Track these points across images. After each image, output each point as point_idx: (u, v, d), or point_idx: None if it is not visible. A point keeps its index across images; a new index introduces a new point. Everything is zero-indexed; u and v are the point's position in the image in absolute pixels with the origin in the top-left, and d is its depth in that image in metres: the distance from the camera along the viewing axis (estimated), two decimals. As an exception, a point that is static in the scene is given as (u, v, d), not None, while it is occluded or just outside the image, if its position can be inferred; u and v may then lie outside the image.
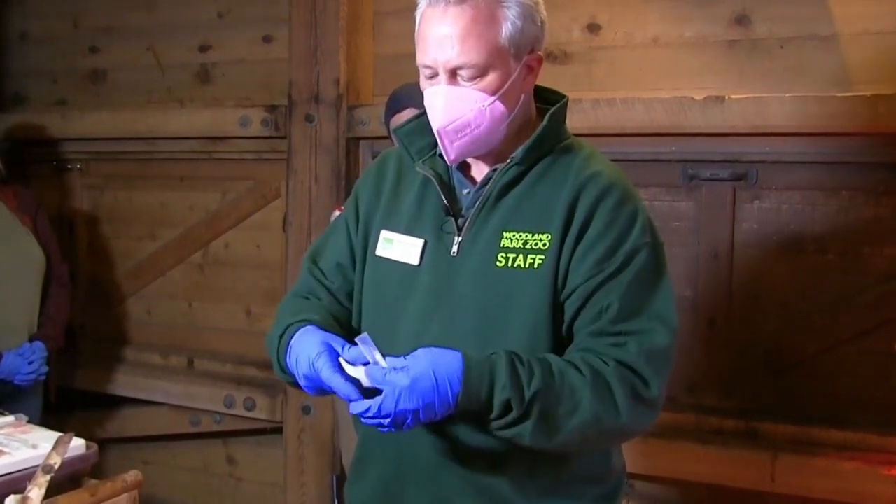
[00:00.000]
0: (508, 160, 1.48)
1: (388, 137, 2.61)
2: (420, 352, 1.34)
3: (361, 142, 3.09)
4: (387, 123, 2.59)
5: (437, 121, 1.44)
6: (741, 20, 2.58)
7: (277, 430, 3.28)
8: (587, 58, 2.77)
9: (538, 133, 1.48)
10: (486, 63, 1.40)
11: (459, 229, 1.48)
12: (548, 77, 2.84)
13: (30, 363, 2.87)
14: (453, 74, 1.42)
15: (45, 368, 2.93)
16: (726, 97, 2.48)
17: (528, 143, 1.47)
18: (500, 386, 1.33)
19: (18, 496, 1.58)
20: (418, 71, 1.48)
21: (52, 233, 3.18)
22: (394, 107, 2.56)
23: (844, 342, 2.52)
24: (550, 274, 1.42)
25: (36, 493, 1.61)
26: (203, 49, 3.47)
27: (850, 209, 2.51)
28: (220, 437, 3.54)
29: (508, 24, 1.41)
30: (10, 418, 2.10)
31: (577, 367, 1.38)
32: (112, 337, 3.71)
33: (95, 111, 3.58)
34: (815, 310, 2.55)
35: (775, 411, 2.60)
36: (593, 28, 2.76)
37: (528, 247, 1.43)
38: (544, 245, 1.43)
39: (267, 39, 3.34)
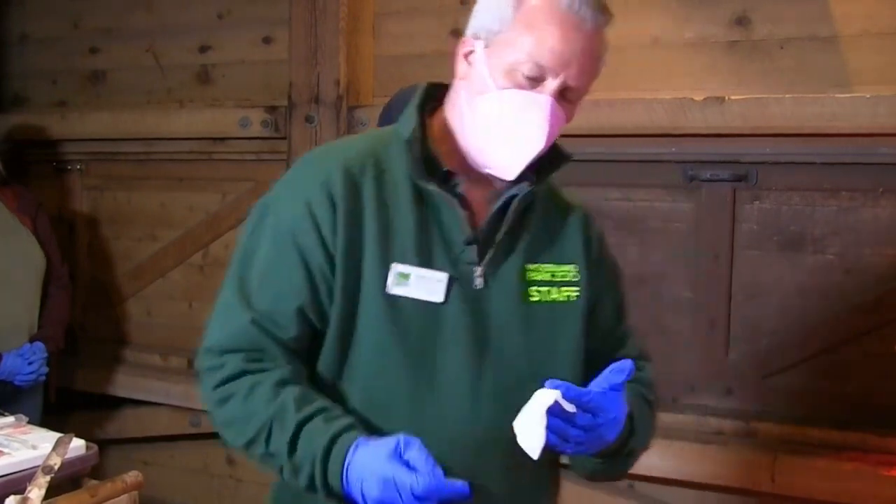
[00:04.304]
0: (526, 183, 1.38)
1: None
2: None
3: (361, 142, 3.08)
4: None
5: (538, 142, 1.30)
6: (741, 21, 2.58)
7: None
8: (587, 58, 2.77)
9: (559, 153, 1.41)
10: (586, 92, 1.35)
11: (479, 259, 1.35)
12: (548, 78, 2.84)
13: (30, 364, 2.87)
14: (560, 92, 1.30)
15: (45, 369, 2.93)
16: (726, 98, 2.48)
17: (548, 162, 1.39)
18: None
19: (18, 497, 1.58)
20: (511, 68, 1.29)
21: (52, 233, 3.18)
22: (390, 117, 2.54)
23: (844, 343, 2.51)
24: (585, 305, 1.42)
25: (36, 493, 1.61)
26: (203, 50, 3.47)
27: (849, 210, 2.51)
28: (220, 437, 3.54)
29: (603, 59, 1.36)
30: (10, 419, 2.11)
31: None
32: (112, 338, 3.71)
33: (95, 112, 3.58)
34: (815, 310, 2.55)
35: (775, 412, 2.60)
36: (593, 29, 2.76)
37: (556, 278, 1.40)
38: (574, 276, 1.42)
39: (267, 40, 3.34)
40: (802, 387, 2.57)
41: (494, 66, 1.29)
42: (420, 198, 1.34)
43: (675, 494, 2.70)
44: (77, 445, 1.89)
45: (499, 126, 1.30)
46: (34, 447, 1.89)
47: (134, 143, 3.52)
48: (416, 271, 1.32)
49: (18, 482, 1.72)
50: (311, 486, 1.24)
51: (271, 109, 3.19)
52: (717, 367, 2.66)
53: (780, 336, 2.59)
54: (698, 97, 2.51)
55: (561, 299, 1.40)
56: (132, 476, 1.78)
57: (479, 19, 1.33)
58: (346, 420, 1.24)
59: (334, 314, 1.31)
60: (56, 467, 1.70)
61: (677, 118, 2.54)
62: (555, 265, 1.41)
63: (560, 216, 1.46)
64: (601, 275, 1.47)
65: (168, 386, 3.45)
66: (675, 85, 2.63)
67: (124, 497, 1.76)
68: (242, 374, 1.29)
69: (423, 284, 1.31)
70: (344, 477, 1.20)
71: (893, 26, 2.41)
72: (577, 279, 1.41)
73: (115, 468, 2.10)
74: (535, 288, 1.38)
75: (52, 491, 1.64)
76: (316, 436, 1.22)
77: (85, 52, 3.72)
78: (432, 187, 1.33)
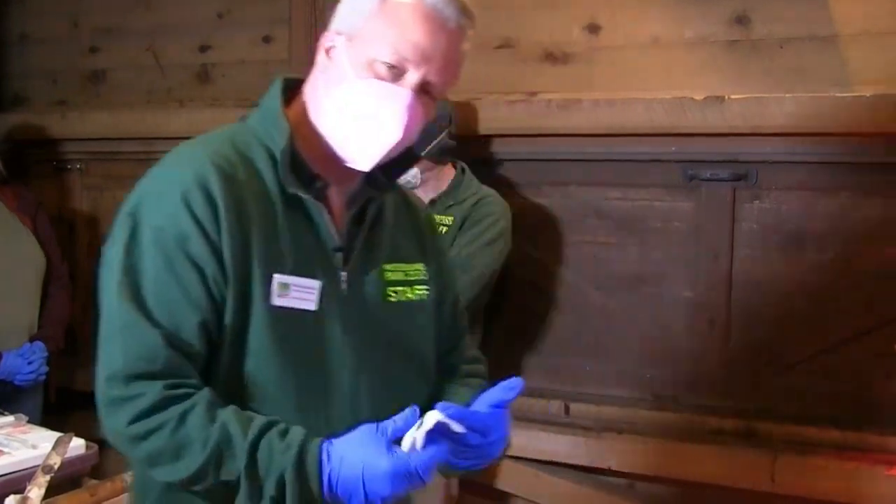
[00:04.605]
0: (381, 182, 1.41)
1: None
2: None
3: (361, 142, 3.08)
4: None
5: (394, 132, 1.29)
6: (741, 20, 2.58)
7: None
8: (587, 58, 2.77)
9: (409, 153, 1.42)
10: (445, 91, 1.36)
11: (344, 263, 1.36)
12: (548, 78, 2.86)
13: (30, 363, 2.87)
14: (421, 86, 1.30)
15: (45, 369, 2.93)
16: (726, 97, 2.48)
17: (402, 162, 1.41)
18: None
19: (18, 496, 1.59)
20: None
21: (52, 233, 3.18)
22: None
23: (844, 342, 2.51)
24: (434, 303, 1.48)
25: (36, 493, 1.61)
26: (203, 49, 3.47)
27: (849, 209, 2.51)
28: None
29: (463, 61, 1.37)
30: (10, 418, 2.11)
31: None
32: (112, 337, 3.70)
33: (95, 111, 3.58)
34: (815, 310, 2.54)
35: (775, 411, 2.60)
36: (593, 28, 2.76)
37: (410, 277, 1.44)
38: (423, 275, 1.46)
39: (267, 40, 3.34)
40: (802, 386, 2.57)
41: (355, 59, 1.29)
42: (289, 203, 1.32)
43: (675, 494, 2.70)
44: (77, 445, 1.90)
45: (357, 115, 1.29)
46: (34, 446, 1.89)
47: (134, 142, 3.52)
48: (294, 280, 1.29)
49: (18, 481, 1.72)
50: (280, 495, 1.19)
51: (271, 109, 3.18)
52: (716, 366, 2.66)
53: (780, 335, 2.59)
54: (698, 96, 2.51)
55: (414, 298, 1.43)
56: (132, 476, 1.78)
57: (343, 15, 1.34)
58: (299, 429, 1.22)
59: (228, 324, 1.25)
60: (56, 467, 1.70)
61: (677, 117, 2.53)
62: (406, 264, 1.44)
63: (408, 215, 1.50)
64: (443, 272, 1.53)
65: (168, 385, 3.44)
66: (674, 84, 2.62)
67: (124, 497, 1.76)
68: (166, 403, 1.19)
69: (301, 294, 1.30)
70: (326, 484, 1.18)
71: (893, 26, 2.41)
72: (426, 277, 1.46)
73: (115, 468, 2.10)
74: (392, 288, 1.40)
75: (51, 490, 1.65)
76: (276, 453, 1.19)
77: (85, 51, 3.71)
78: (303, 194, 1.32)
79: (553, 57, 2.81)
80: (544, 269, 2.86)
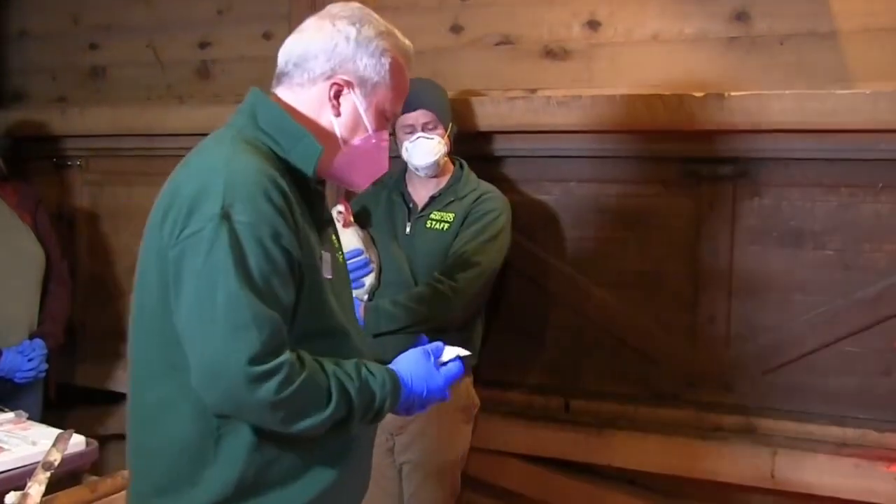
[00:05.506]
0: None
1: (391, 134, 2.58)
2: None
3: (361, 138, 3.08)
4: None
5: (386, 167, 1.68)
6: (741, 16, 2.58)
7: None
8: (587, 54, 2.77)
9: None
10: None
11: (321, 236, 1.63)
12: (548, 74, 2.86)
13: (30, 360, 2.87)
14: None
15: (44, 366, 2.93)
16: (726, 94, 2.48)
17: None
18: None
19: (18, 493, 1.59)
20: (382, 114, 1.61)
21: (52, 229, 3.18)
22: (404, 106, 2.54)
23: (844, 339, 2.52)
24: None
25: (36, 489, 1.61)
26: (203, 46, 3.47)
27: (849, 206, 2.51)
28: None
29: None
30: (10, 415, 2.11)
31: None
32: (112, 333, 3.70)
33: (95, 108, 3.58)
34: (815, 306, 2.55)
35: (775, 408, 2.60)
36: (593, 24, 2.76)
37: (337, 244, 1.72)
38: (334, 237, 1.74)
39: (267, 36, 3.33)
40: (802, 382, 2.58)
41: (369, 110, 1.59)
42: (301, 190, 1.54)
43: (675, 490, 2.70)
44: (77, 441, 1.90)
45: (370, 159, 1.63)
46: (34, 443, 1.89)
47: (134, 138, 3.52)
48: (325, 256, 1.58)
49: (18, 478, 1.72)
50: (376, 417, 1.53)
51: (271, 105, 3.18)
52: (716, 362, 2.67)
53: (780, 332, 2.59)
54: (698, 93, 2.51)
55: (342, 260, 1.72)
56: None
57: (350, 64, 1.56)
58: (375, 365, 1.54)
59: (305, 297, 1.49)
60: (56, 463, 1.70)
61: (677, 114, 2.53)
62: (335, 232, 1.72)
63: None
64: None
65: (168, 382, 3.44)
66: (674, 81, 2.62)
67: (124, 493, 1.76)
68: (295, 367, 1.40)
69: (326, 266, 1.57)
70: (405, 395, 1.56)
71: (893, 22, 2.41)
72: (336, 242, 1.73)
73: (115, 464, 2.10)
74: (339, 252, 1.70)
75: (52, 487, 1.65)
76: (377, 390, 1.50)
77: (85, 47, 3.71)
78: (318, 186, 1.61)
79: (553, 53, 2.81)
80: (544, 266, 2.86)
